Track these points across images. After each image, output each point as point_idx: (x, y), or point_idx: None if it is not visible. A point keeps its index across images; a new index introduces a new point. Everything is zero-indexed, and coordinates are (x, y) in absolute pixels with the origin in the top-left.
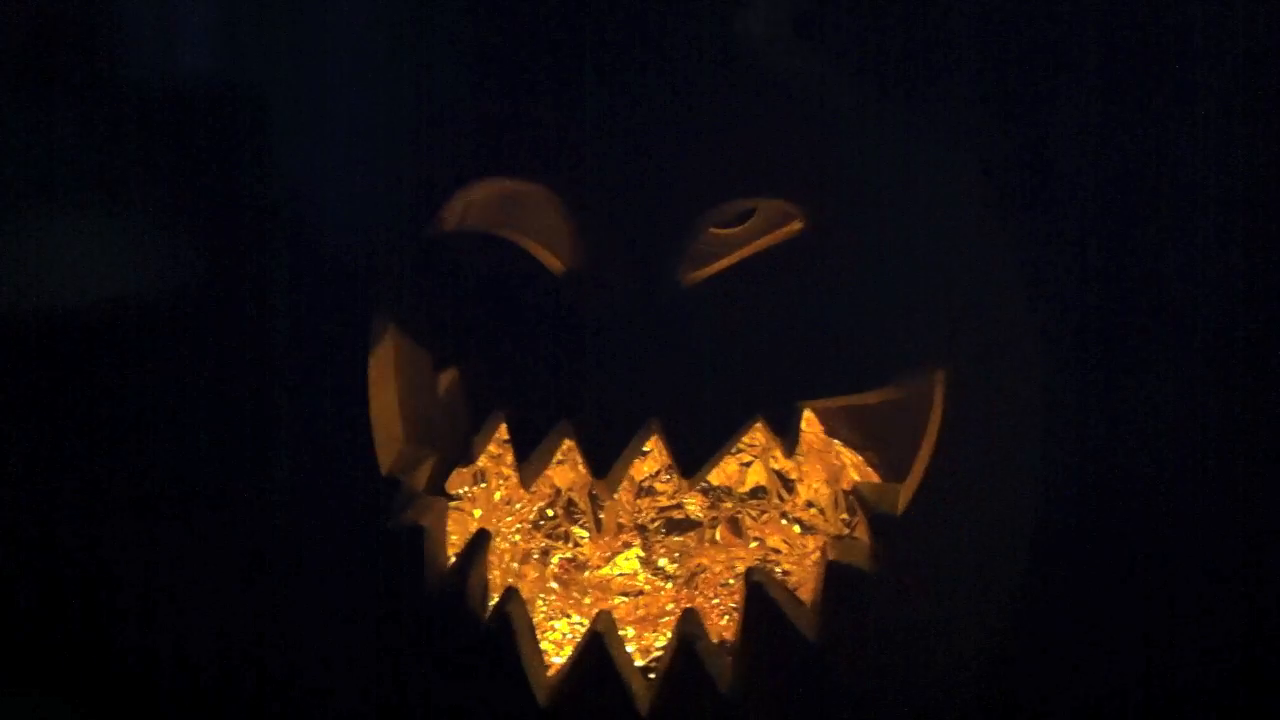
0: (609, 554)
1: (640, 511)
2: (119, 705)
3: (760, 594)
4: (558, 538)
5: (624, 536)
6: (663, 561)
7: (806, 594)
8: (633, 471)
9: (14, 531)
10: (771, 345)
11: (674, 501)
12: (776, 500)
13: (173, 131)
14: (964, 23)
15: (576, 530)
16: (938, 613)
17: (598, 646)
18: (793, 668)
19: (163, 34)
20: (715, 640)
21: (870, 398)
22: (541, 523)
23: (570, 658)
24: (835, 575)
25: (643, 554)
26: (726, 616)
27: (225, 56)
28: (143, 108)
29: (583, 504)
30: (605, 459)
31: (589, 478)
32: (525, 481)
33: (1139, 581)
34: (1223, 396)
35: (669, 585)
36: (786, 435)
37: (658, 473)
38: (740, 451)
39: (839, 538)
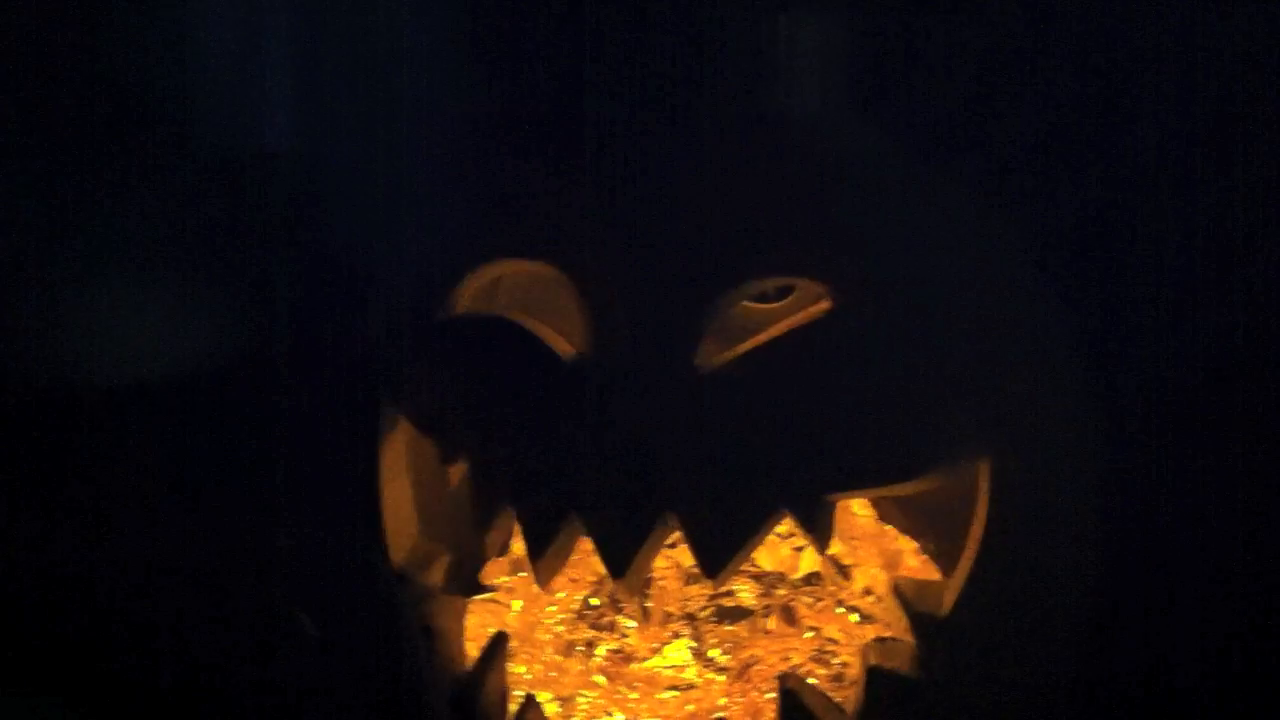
0: (657, 644)
1: (690, 599)
2: (119, 705)
3: (794, 702)
4: (603, 628)
5: (673, 626)
6: (714, 652)
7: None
8: (679, 557)
9: (13, 531)
10: (796, 434)
11: (725, 589)
12: (832, 587)
13: (186, 212)
14: (1005, 89)
15: (623, 620)
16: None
17: None
18: None
19: (174, 121)
20: None
21: (906, 489)
22: (586, 612)
23: None
24: (876, 682)
25: (693, 644)
26: None
27: (236, 140)
28: (157, 189)
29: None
30: (623, 558)
31: None
32: (541, 580)
33: (1203, 687)
34: None
35: (721, 678)
36: (815, 531)
37: None
38: (793, 535)
39: (881, 639)
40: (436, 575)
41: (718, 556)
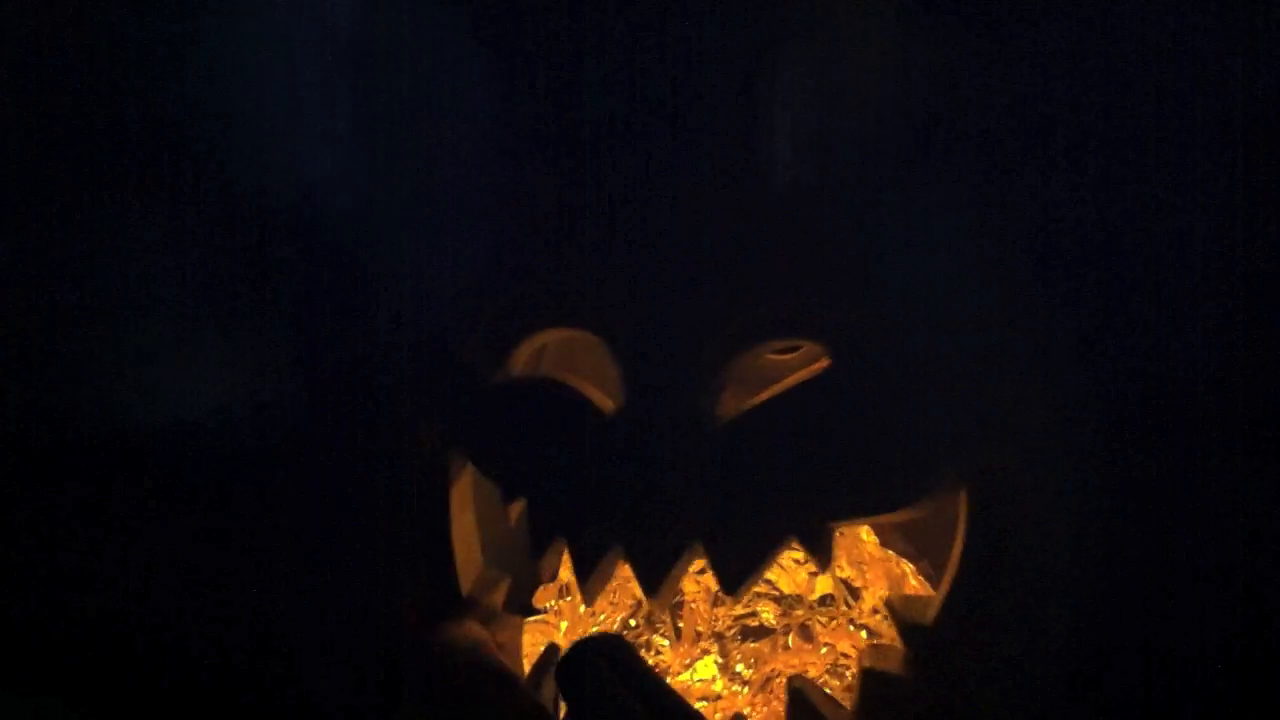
0: (688, 661)
1: (717, 620)
2: (119, 705)
3: (800, 698)
4: (640, 646)
5: (702, 644)
6: (739, 667)
7: None
8: (708, 582)
9: (14, 531)
10: (801, 472)
11: (749, 610)
12: (844, 607)
13: (258, 274)
14: (972, 171)
15: (658, 639)
16: (972, 716)
17: None
18: None
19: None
20: None
21: (896, 517)
22: (625, 632)
23: None
24: (871, 680)
25: (720, 660)
26: None
27: (318, 222)
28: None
29: (663, 614)
30: (656, 580)
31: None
32: (587, 600)
33: (1178, 695)
34: (1265, 503)
35: (745, 690)
36: (818, 554)
37: None
38: (808, 562)
39: (876, 646)
40: (499, 598)
41: (736, 577)
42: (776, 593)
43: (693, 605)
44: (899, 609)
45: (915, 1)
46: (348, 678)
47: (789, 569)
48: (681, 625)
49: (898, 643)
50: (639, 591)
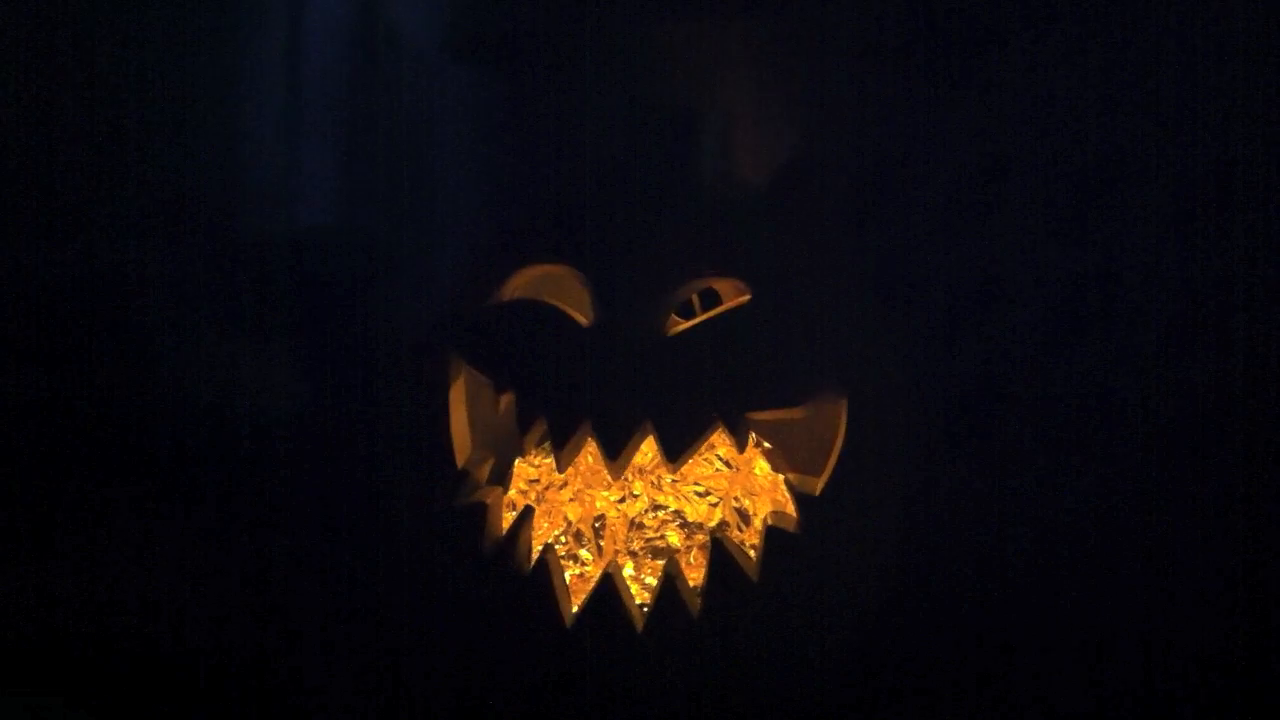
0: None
1: (632, 540)
2: (119, 705)
3: (719, 547)
4: (568, 558)
5: (619, 559)
6: (649, 578)
7: None
8: (626, 509)
9: (14, 531)
10: (726, 374)
11: (658, 534)
12: (736, 531)
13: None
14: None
15: (583, 553)
16: (847, 568)
17: (608, 583)
18: (742, 601)
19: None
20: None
21: (796, 413)
22: (556, 547)
23: (590, 593)
24: (772, 535)
25: (633, 572)
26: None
27: (337, 202)
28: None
29: (588, 533)
30: (617, 447)
31: (592, 513)
32: (560, 466)
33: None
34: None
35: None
36: (736, 434)
37: (646, 510)
38: (709, 494)
39: (776, 512)
40: (484, 472)
41: (677, 450)
42: (681, 519)
43: (613, 528)
44: (795, 484)
45: None
46: (348, 673)
47: (692, 501)
48: (603, 544)
49: (791, 509)
50: (570, 513)
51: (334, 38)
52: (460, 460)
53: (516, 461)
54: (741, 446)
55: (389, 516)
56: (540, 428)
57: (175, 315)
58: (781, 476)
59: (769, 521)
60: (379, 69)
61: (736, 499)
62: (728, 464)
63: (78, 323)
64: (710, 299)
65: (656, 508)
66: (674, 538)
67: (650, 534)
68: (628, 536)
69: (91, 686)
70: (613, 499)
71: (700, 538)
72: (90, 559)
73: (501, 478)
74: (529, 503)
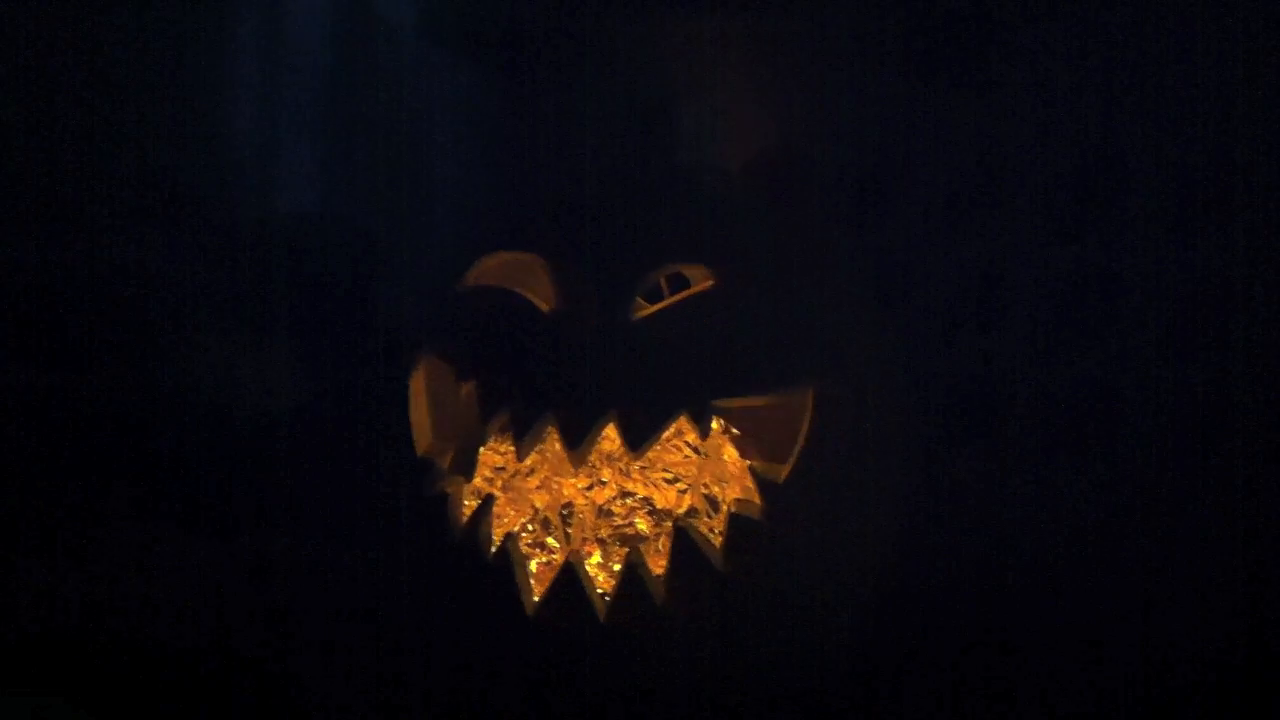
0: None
1: (600, 528)
2: (119, 705)
3: (684, 535)
4: (535, 546)
5: (587, 547)
6: (617, 566)
7: None
8: (594, 496)
9: (14, 531)
10: (691, 362)
11: (627, 521)
12: (705, 518)
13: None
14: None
15: (550, 541)
16: (811, 555)
17: (570, 572)
18: (706, 589)
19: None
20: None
21: (761, 401)
22: (523, 534)
23: (551, 582)
24: (735, 522)
25: (601, 560)
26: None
27: (324, 194)
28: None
29: (555, 521)
30: (578, 437)
31: (559, 500)
32: (521, 455)
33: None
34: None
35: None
36: (700, 424)
37: (614, 498)
38: (678, 481)
39: (741, 499)
40: (447, 461)
41: (639, 439)
42: (650, 506)
43: (580, 516)
44: (760, 472)
45: None
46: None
47: (661, 488)
48: (571, 531)
49: (755, 496)
50: (537, 501)
51: (310, 29)
52: (420, 448)
53: (482, 449)
54: (704, 434)
55: (355, 506)
56: (502, 417)
57: (144, 307)
58: (748, 463)
59: (733, 509)
60: (344, 57)
61: (705, 485)
62: (697, 450)
63: (71, 319)
64: (680, 285)
65: (625, 495)
66: (643, 525)
67: (619, 521)
68: (595, 524)
69: (91, 686)
70: (580, 486)
71: (668, 525)
72: (89, 559)
73: (466, 466)
74: (492, 491)
